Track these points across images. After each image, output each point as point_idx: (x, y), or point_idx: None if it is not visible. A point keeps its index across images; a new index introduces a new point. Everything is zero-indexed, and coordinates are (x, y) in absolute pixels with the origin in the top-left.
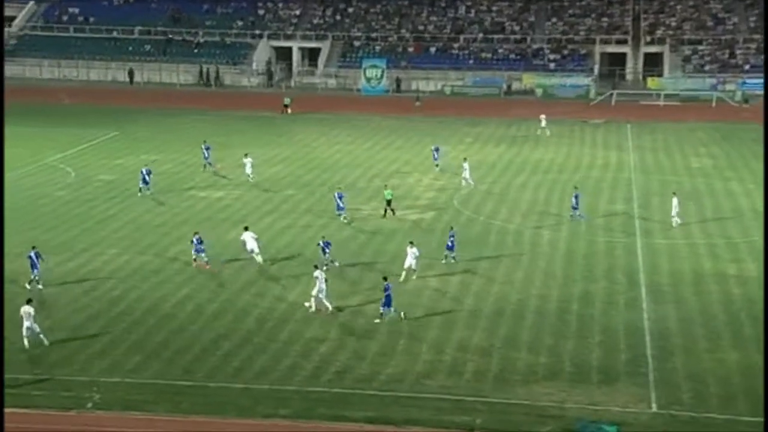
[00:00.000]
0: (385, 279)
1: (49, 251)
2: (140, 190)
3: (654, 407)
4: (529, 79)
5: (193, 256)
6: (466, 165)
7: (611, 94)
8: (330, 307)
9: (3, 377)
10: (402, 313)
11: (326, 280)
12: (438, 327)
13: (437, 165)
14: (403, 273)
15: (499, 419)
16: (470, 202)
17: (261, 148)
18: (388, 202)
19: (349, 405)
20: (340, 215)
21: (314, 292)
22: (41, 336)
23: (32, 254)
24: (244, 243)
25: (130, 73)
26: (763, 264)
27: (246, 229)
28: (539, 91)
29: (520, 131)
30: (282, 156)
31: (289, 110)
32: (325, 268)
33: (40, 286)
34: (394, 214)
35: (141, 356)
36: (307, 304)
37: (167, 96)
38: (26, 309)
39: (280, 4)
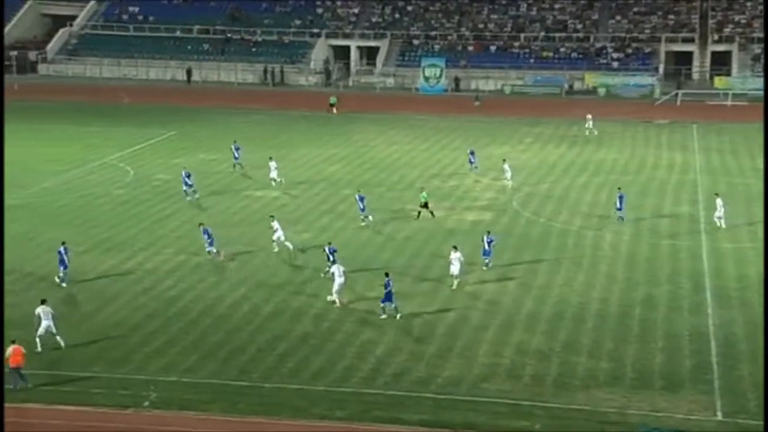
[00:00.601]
0: (386, 275)
1: (109, 250)
2: (185, 193)
3: (719, 415)
4: (591, 79)
5: (207, 249)
6: (506, 166)
7: (676, 94)
8: (337, 301)
9: (3, 377)
10: (398, 313)
11: (343, 274)
12: (496, 330)
13: (476, 167)
14: (454, 281)
15: (558, 424)
16: (530, 204)
17: (319, 148)
18: (425, 205)
19: (405, 408)
20: (364, 218)
21: (335, 288)
22: (57, 337)
23: (61, 250)
24: (273, 231)
25: (188, 72)
26: (764, 264)
27: (272, 217)
28: (602, 91)
29: (581, 131)
30: (340, 155)
31: (335, 110)
32: (322, 275)
33: (64, 284)
34: (433, 216)
35: (197, 356)
36: (330, 298)
37: (225, 95)
38: (44, 308)
39: (339, 3)
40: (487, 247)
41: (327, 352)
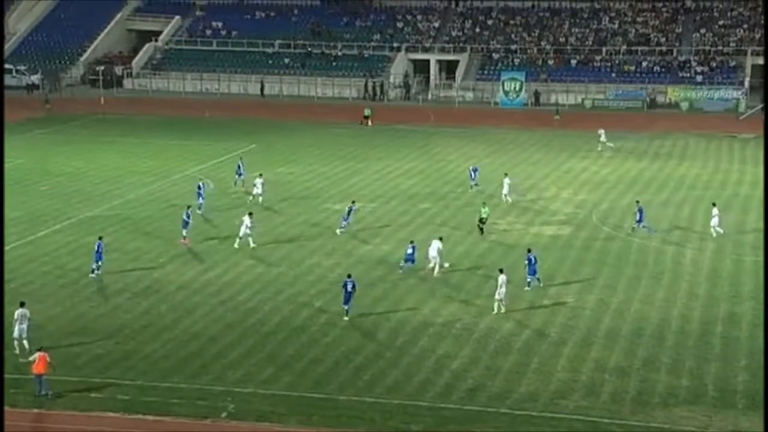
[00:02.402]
0: (349, 276)
1: (189, 261)
2: (199, 207)
3: None
4: (674, 93)
5: (183, 233)
6: (506, 181)
7: (762, 108)
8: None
9: (3, 377)
10: (347, 316)
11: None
12: (574, 345)
13: (476, 184)
14: (499, 305)
15: None
16: (610, 218)
17: (398, 161)
18: (483, 220)
19: (480, 423)
20: (342, 228)
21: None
22: (24, 342)
23: (99, 244)
24: (241, 223)
25: (261, 86)
26: (763, 265)
27: (250, 214)
28: (685, 105)
29: (663, 147)
30: (418, 169)
31: (370, 122)
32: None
33: (95, 273)
34: (482, 233)
35: (274, 368)
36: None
37: (304, 109)
38: (22, 311)
39: (419, 17)
40: (531, 268)
41: (403, 366)
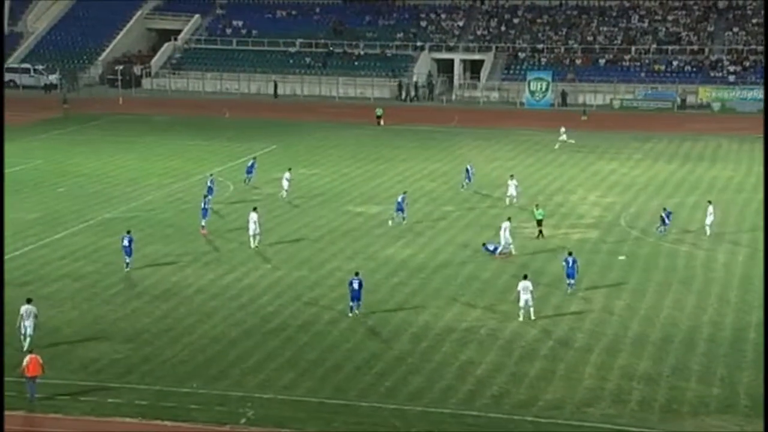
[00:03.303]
0: (356, 274)
1: (208, 264)
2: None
3: None
4: (705, 93)
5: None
6: (512, 182)
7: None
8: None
9: (3, 378)
10: (358, 311)
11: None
12: (601, 352)
13: (468, 183)
14: (520, 312)
15: None
16: (638, 222)
17: (421, 163)
18: (539, 222)
19: (505, 431)
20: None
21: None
22: (29, 339)
23: (126, 240)
24: (247, 222)
25: (275, 86)
26: (763, 265)
27: (254, 209)
28: (716, 105)
29: (694, 148)
30: (441, 171)
31: (382, 121)
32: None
33: (129, 268)
34: (542, 235)
35: (294, 373)
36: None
37: (326, 109)
38: (28, 308)
39: (443, 15)
40: (568, 270)
41: (425, 372)
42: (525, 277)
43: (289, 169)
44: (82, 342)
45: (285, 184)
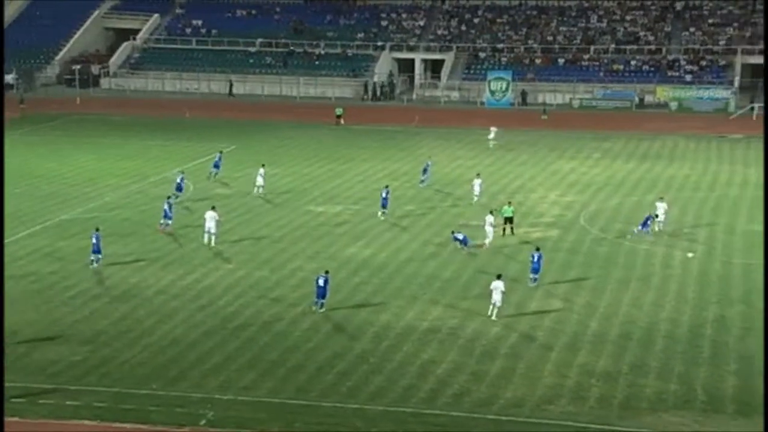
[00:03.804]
0: (326, 272)
1: (168, 265)
2: (176, 196)
3: None
4: (663, 92)
5: (161, 222)
6: (477, 181)
7: (753, 108)
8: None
9: (3, 377)
10: (321, 309)
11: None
12: (561, 350)
13: (423, 181)
14: (491, 308)
15: None
16: (597, 220)
17: (382, 162)
18: (509, 220)
19: (466, 429)
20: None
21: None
22: None
23: (94, 237)
24: (204, 221)
25: (230, 86)
26: (763, 265)
27: (213, 208)
28: (674, 105)
29: (652, 147)
30: (402, 170)
31: (342, 121)
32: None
33: (94, 265)
34: (512, 233)
35: (255, 374)
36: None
37: (286, 109)
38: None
39: (404, 15)
40: (535, 264)
41: (387, 372)
42: (498, 277)
43: (263, 165)
44: (40, 344)
45: (260, 180)
